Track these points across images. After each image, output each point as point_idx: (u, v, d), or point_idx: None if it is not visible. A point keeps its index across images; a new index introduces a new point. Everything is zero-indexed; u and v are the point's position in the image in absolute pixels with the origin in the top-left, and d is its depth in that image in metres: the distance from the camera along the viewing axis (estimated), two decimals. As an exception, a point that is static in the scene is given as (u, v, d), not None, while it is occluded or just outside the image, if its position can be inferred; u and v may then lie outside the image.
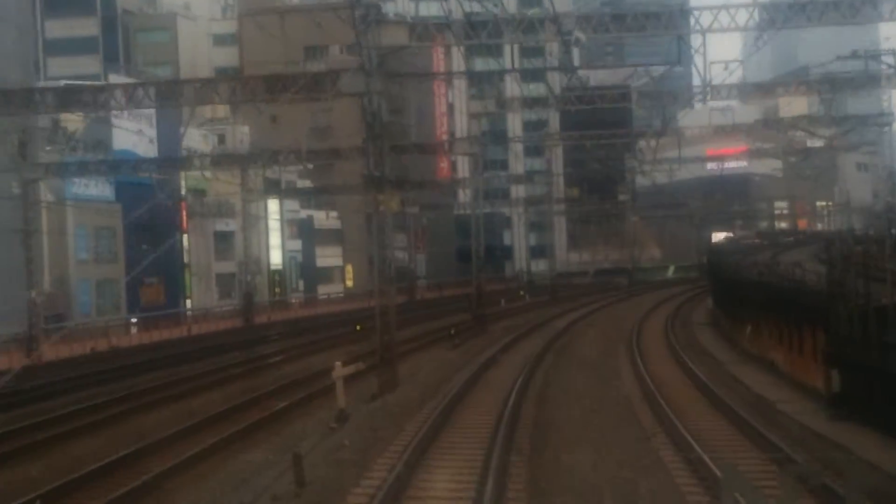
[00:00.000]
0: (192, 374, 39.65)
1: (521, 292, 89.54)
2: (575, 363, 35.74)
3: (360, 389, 32.88)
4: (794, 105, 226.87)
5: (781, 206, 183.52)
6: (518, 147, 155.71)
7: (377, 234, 33.58)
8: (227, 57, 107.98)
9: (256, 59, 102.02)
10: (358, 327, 53.37)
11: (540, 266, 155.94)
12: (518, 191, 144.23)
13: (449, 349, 46.16)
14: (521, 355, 38.59)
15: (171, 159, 68.54)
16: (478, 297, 55.45)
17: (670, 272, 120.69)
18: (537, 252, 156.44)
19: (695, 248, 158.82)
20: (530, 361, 35.01)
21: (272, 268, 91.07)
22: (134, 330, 67.11)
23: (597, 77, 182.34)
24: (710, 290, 62.21)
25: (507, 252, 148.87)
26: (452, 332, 49.17)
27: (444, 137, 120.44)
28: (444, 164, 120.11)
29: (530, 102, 53.65)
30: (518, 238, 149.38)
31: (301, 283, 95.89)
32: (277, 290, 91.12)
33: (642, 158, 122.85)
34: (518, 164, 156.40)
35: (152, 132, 75.78)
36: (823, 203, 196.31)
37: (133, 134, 72.63)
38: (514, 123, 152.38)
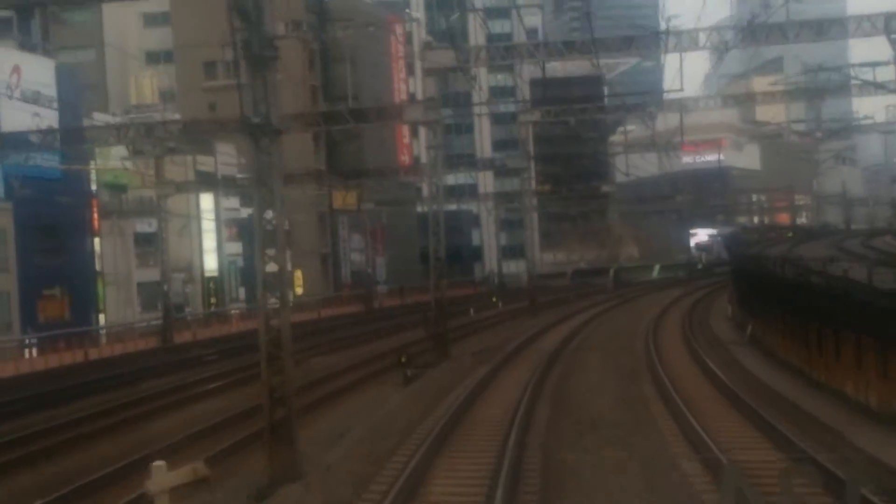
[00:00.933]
0: (13, 438, 25.86)
1: (494, 298, 75.63)
2: (589, 427, 21.73)
3: (245, 468, 19.50)
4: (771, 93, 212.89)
5: (761, 200, 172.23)
6: (486, 137, 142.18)
7: (257, 224, 19.94)
8: (158, 38, 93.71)
9: (190, 39, 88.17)
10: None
11: (511, 268, 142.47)
12: (486, 182, 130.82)
13: (399, 385, 32.60)
14: (498, 407, 24.86)
15: (71, 131, 54.60)
16: (438, 311, 41.26)
17: (655, 272, 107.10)
18: (508, 252, 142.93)
19: (676, 246, 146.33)
20: (514, 425, 21.20)
21: (207, 275, 77.02)
22: (27, 354, 53.32)
23: (566, 70, 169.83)
24: (735, 296, 48.69)
25: (477, 253, 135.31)
26: (403, 359, 35.41)
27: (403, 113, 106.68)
28: (405, 156, 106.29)
29: (500, 52, 40.23)
30: (488, 237, 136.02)
31: (242, 292, 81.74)
32: (213, 300, 77.05)
33: (622, 149, 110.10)
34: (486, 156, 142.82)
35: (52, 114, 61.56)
36: (802, 197, 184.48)
37: (27, 117, 58.70)
38: (482, 113, 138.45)
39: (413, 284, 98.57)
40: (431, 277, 41.37)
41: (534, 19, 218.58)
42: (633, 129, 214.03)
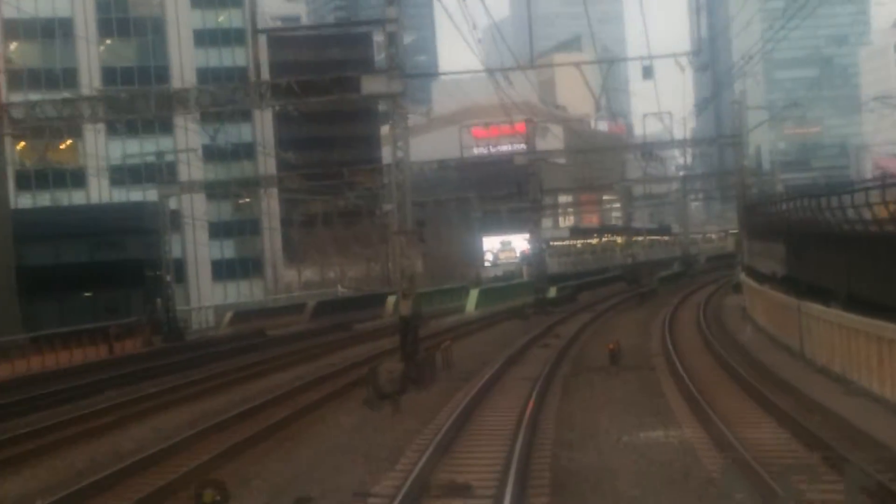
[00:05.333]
0: None
1: None
2: None
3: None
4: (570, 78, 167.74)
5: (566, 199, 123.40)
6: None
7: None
8: None
9: None
10: None
11: (242, 291, 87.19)
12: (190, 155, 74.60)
13: None
14: None
15: None
16: None
17: (471, 304, 52.64)
18: (238, 269, 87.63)
19: (472, 258, 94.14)
20: None
21: None
22: None
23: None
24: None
25: (178, 270, 78.31)
26: None
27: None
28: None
29: None
30: (194, 244, 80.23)
31: None
32: None
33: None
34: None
35: None
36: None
37: None
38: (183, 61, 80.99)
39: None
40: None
41: (296, 7, 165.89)
42: (410, 115, 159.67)
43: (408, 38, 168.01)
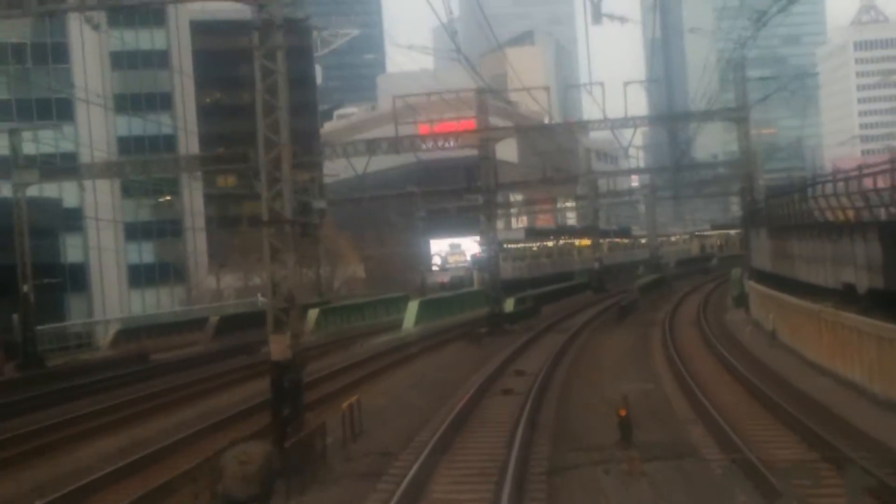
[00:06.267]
0: None
1: None
2: None
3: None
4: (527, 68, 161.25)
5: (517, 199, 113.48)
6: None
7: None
8: None
9: None
10: None
11: (162, 300, 76.66)
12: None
13: None
14: None
15: None
16: None
17: (409, 320, 42.11)
18: (160, 276, 77.01)
19: (419, 263, 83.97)
20: None
21: None
22: None
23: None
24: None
25: (78, 276, 67.95)
26: None
27: None
28: None
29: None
30: (99, 246, 69.49)
31: None
32: None
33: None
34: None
35: None
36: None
37: None
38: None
39: None
40: None
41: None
42: (355, 111, 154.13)
43: (354, 34, 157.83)
